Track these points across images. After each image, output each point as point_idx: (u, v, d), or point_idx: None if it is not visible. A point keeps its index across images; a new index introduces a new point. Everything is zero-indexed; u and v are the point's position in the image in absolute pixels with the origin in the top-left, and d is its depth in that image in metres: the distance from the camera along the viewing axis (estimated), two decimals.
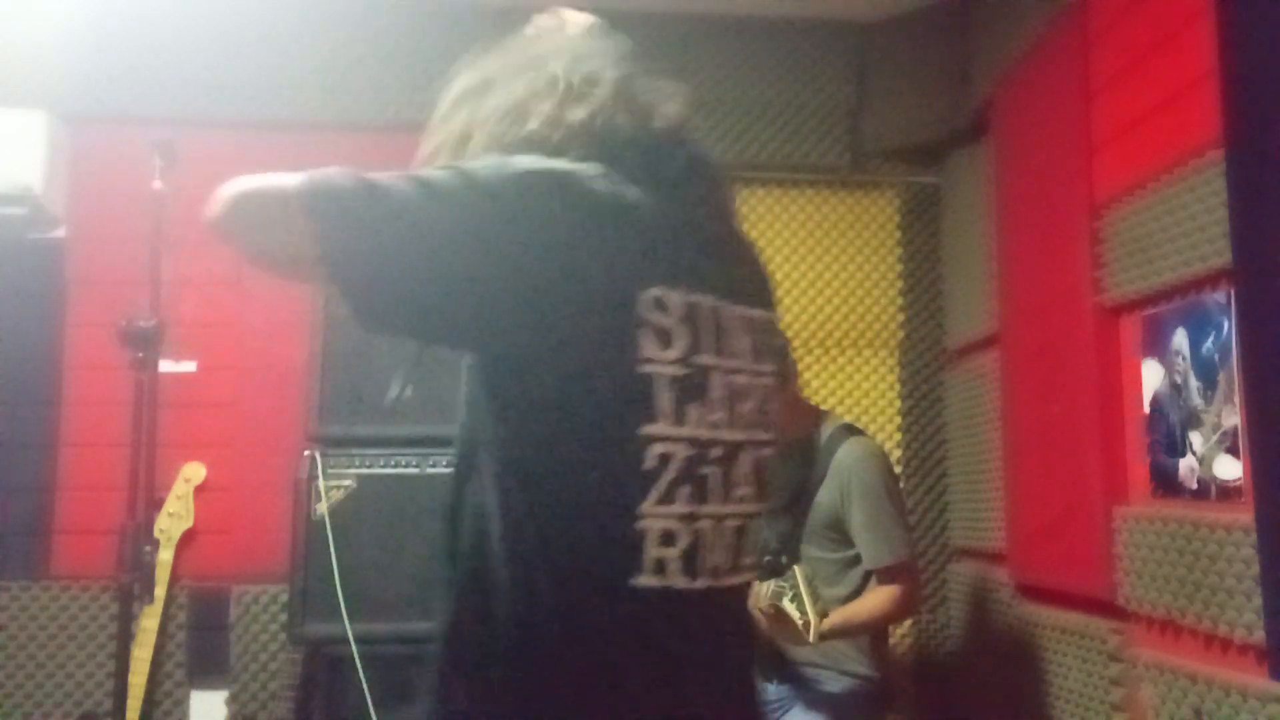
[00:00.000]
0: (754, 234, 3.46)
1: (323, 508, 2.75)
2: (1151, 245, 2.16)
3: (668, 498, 1.12)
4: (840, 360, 3.44)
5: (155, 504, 2.92)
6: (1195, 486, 2.03)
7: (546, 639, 1.12)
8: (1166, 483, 2.14)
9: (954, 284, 3.39)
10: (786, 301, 3.41)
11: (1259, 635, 1.77)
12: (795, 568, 2.28)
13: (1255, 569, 1.79)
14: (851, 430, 2.54)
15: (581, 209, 1.12)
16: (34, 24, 3.23)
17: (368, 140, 3.34)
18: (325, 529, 2.72)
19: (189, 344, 3.16)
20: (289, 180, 1.11)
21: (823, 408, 2.85)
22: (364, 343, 2.90)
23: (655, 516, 1.12)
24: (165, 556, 2.99)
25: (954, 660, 3.25)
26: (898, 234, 3.48)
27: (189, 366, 3.18)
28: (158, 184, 2.72)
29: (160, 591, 2.97)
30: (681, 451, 1.13)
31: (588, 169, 1.16)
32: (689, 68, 3.46)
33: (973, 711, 3.05)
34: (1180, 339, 2.10)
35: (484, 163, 1.14)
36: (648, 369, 1.12)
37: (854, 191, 3.48)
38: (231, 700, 3.09)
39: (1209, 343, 2.00)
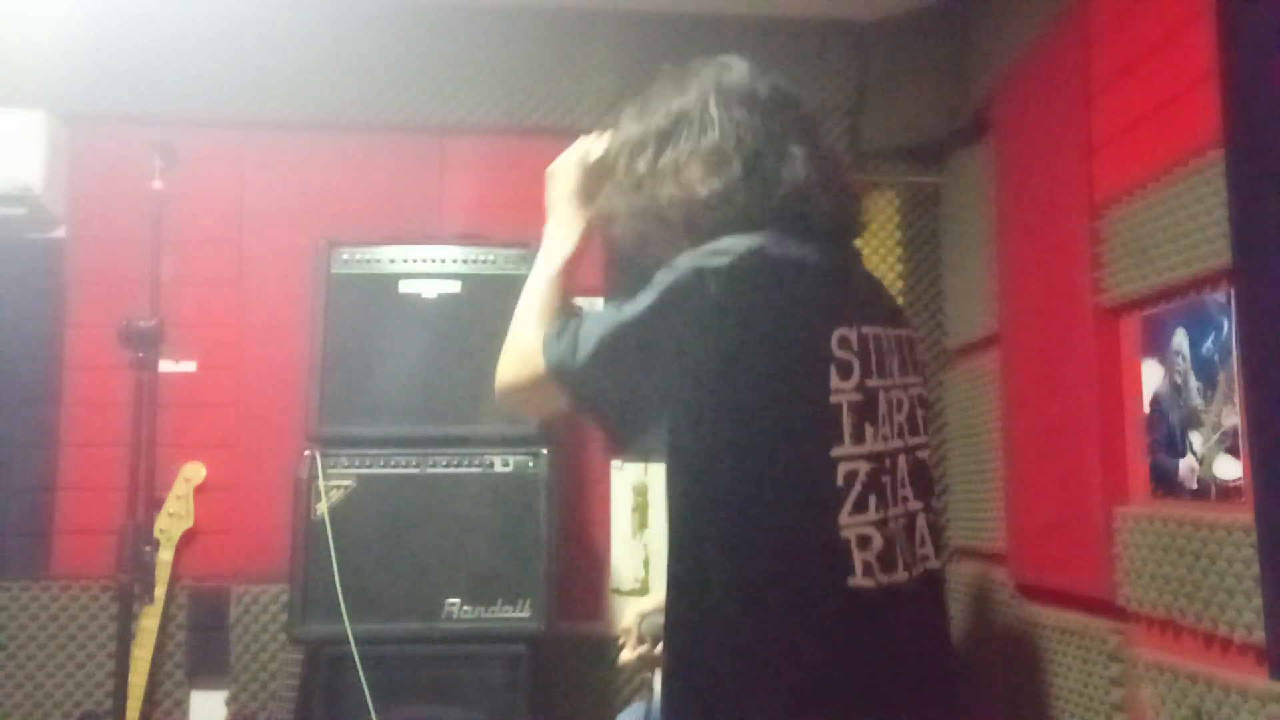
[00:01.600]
0: None
1: (323, 508, 2.75)
2: (1151, 245, 2.16)
3: (860, 507, 1.29)
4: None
5: (155, 504, 2.93)
6: (1195, 486, 2.03)
7: (777, 647, 1.27)
8: (1166, 483, 2.14)
9: (954, 284, 3.39)
10: None
11: (1259, 635, 1.77)
12: None
13: (1255, 569, 1.79)
14: None
15: (771, 277, 1.30)
16: (34, 24, 3.23)
17: (368, 140, 3.34)
18: (325, 529, 2.72)
19: (189, 344, 3.16)
20: (536, 368, 1.38)
21: None
22: (364, 343, 2.91)
23: (852, 525, 1.28)
24: (165, 556, 2.99)
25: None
26: (897, 234, 3.48)
27: (189, 366, 3.18)
28: (158, 184, 2.72)
29: (160, 591, 2.97)
30: (864, 466, 1.30)
31: (761, 241, 1.33)
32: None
33: (973, 712, 3.05)
34: (1180, 339, 2.10)
35: (671, 279, 1.31)
36: (835, 399, 1.30)
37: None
38: (231, 700, 3.09)
39: (1209, 343, 2.00)
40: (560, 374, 1.33)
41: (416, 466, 2.83)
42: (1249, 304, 1.85)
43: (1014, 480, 2.81)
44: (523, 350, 1.40)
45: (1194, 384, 2.05)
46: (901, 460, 1.38)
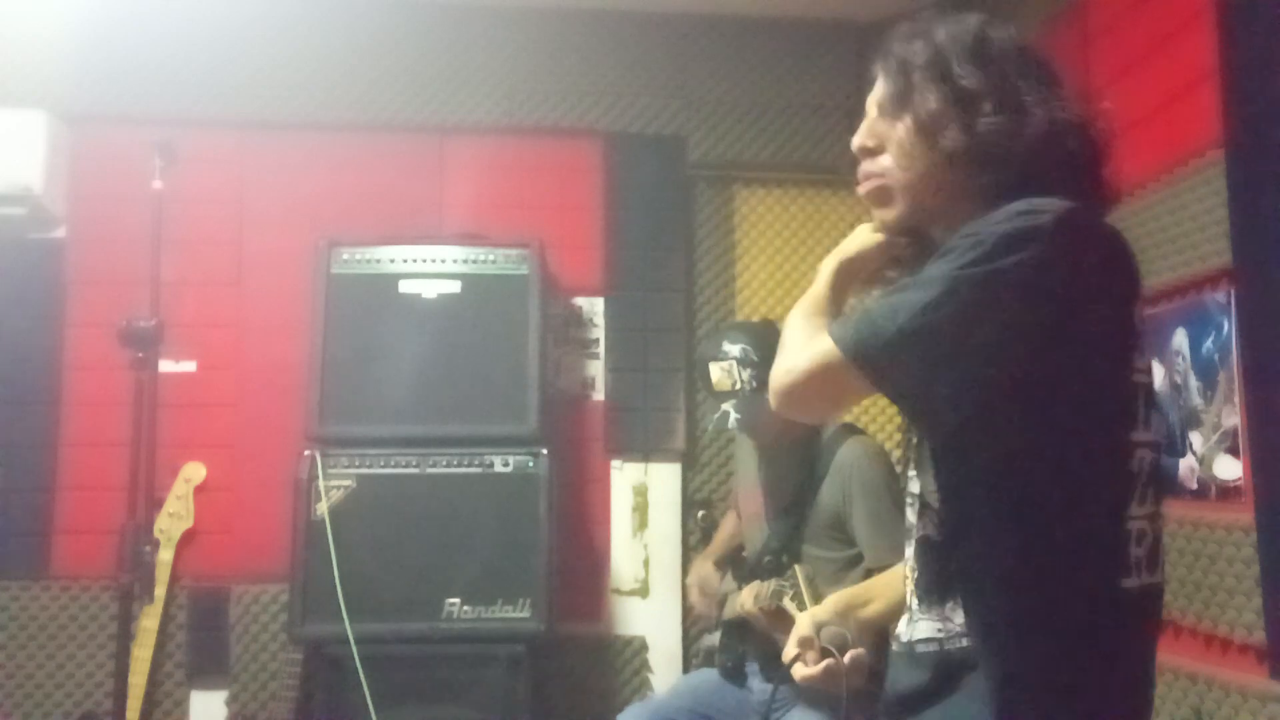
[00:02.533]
0: (754, 234, 3.46)
1: (323, 508, 2.75)
2: (1151, 245, 2.16)
3: (1142, 499, 1.20)
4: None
5: (155, 504, 2.93)
6: (1195, 486, 2.03)
7: (1056, 650, 1.17)
8: (1167, 483, 2.14)
9: None
10: (787, 301, 3.41)
11: (1259, 635, 1.77)
12: (796, 567, 2.27)
13: (1255, 569, 1.79)
14: (852, 430, 2.53)
15: (1089, 241, 1.22)
16: (34, 24, 3.23)
17: (368, 140, 3.34)
18: (325, 529, 2.72)
19: (189, 344, 3.16)
20: (826, 350, 1.23)
21: None
22: (364, 343, 2.91)
23: (1134, 519, 1.19)
24: (165, 556, 2.99)
25: None
26: None
27: (189, 366, 3.18)
28: (158, 184, 2.72)
29: (160, 591, 2.97)
30: (1149, 455, 1.21)
31: (1068, 204, 1.21)
32: (689, 68, 3.46)
33: None
34: (1180, 339, 2.10)
35: (992, 236, 1.17)
36: (1137, 379, 1.21)
37: (854, 191, 3.45)
38: (231, 700, 3.09)
39: (1209, 343, 2.00)
40: (863, 353, 1.18)
41: (416, 466, 2.82)
42: (1249, 304, 1.85)
43: None
44: (805, 347, 1.27)
45: (1194, 384, 2.05)
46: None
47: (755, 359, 2.38)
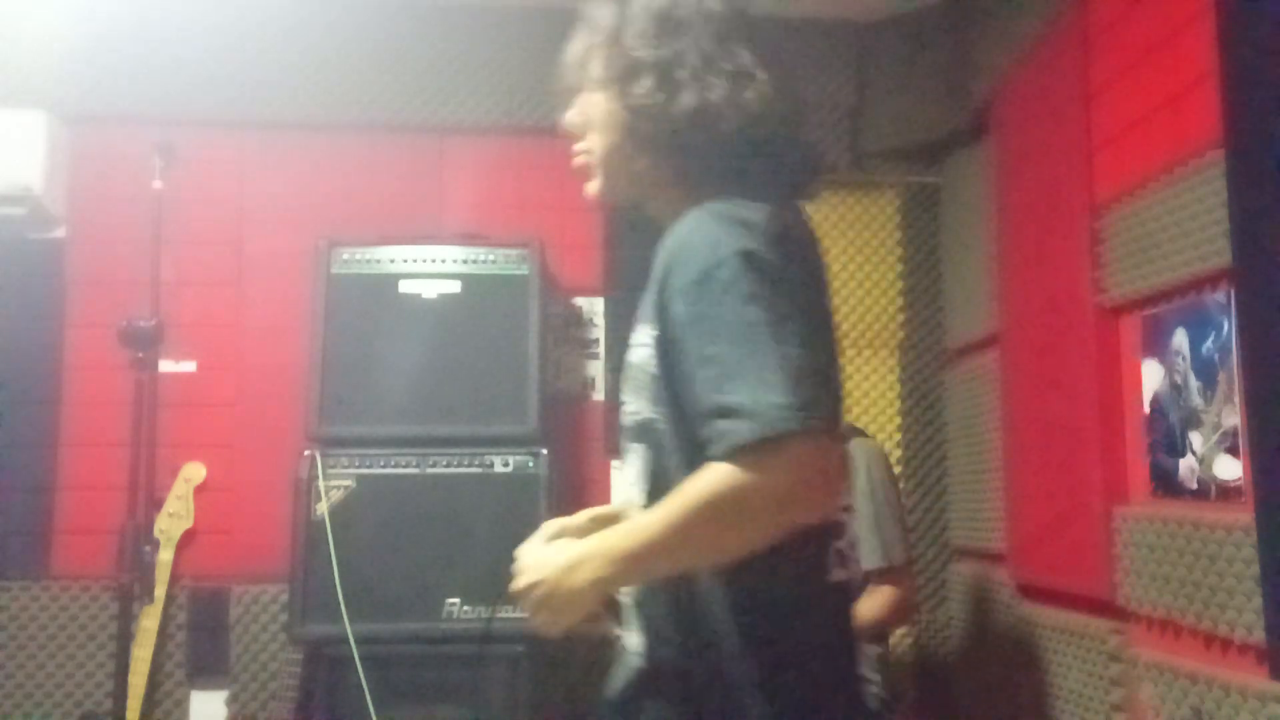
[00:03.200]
0: None
1: (323, 508, 2.75)
2: (1151, 245, 2.16)
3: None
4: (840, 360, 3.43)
5: (155, 504, 2.94)
6: (1195, 486, 2.03)
7: (771, 643, 1.18)
8: (1166, 483, 2.14)
9: (954, 284, 3.39)
10: None
11: (1259, 635, 1.77)
12: None
13: (1255, 569, 1.79)
14: (853, 430, 2.54)
15: (795, 248, 1.19)
16: (34, 24, 3.23)
17: (368, 140, 3.34)
18: (325, 529, 2.72)
19: (189, 344, 3.16)
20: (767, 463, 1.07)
21: None
22: (364, 343, 2.91)
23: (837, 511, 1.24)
24: (165, 556, 2.99)
25: (954, 661, 3.25)
26: (897, 234, 3.48)
27: (189, 366, 3.18)
28: (158, 184, 2.73)
29: (160, 591, 2.97)
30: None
31: (766, 215, 1.16)
32: None
33: (973, 712, 3.05)
34: (1180, 339, 2.10)
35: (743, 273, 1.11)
36: (842, 376, 1.24)
37: (854, 191, 3.47)
38: (231, 700, 3.09)
39: (1209, 343, 2.00)
40: (789, 427, 1.03)
41: (416, 466, 2.83)
42: (1249, 304, 1.85)
43: (1014, 480, 2.81)
44: (727, 484, 1.08)
45: (1194, 384, 2.05)
46: None
47: None
